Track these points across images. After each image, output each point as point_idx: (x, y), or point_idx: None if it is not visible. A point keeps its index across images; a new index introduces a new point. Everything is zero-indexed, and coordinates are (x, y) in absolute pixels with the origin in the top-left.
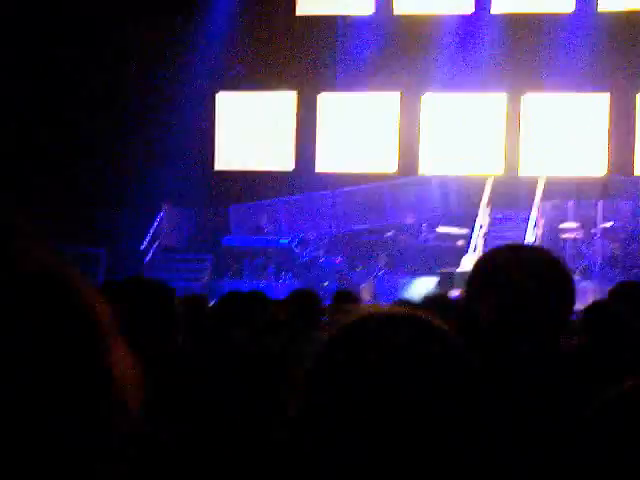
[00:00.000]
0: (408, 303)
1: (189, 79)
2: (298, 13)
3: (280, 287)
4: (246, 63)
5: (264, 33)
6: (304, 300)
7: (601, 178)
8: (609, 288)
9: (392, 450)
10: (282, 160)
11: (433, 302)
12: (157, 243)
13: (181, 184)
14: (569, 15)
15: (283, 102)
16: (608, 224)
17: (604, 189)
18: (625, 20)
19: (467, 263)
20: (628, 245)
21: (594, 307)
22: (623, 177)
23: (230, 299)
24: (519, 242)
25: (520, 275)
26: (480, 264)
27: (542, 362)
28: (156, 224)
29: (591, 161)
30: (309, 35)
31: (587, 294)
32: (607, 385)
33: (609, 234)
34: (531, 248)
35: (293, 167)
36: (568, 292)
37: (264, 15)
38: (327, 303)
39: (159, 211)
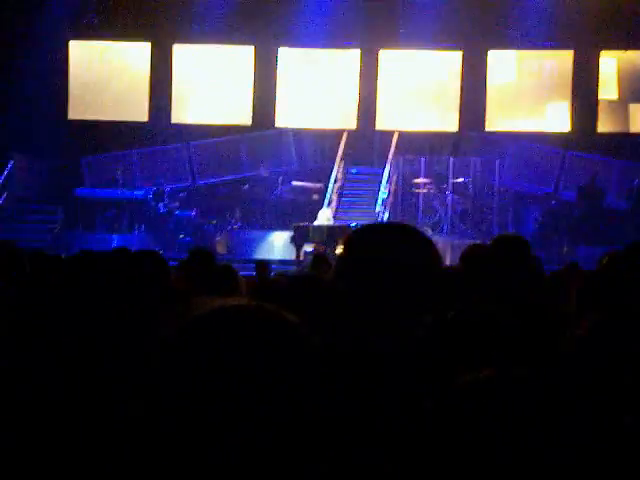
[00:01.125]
0: (264, 264)
1: (42, 26)
2: None
3: (134, 239)
4: (100, 12)
5: None
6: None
7: (453, 134)
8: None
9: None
10: (136, 111)
11: (301, 284)
12: (6, 193)
13: (33, 133)
14: None
15: (138, 53)
16: (459, 179)
17: (455, 145)
18: None
19: (322, 217)
20: (478, 200)
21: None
22: (474, 134)
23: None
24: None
25: (387, 254)
26: (349, 245)
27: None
28: (6, 173)
29: (443, 117)
30: None
31: (437, 247)
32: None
33: (460, 189)
34: (400, 227)
35: (147, 118)
36: (434, 271)
37: None
38: (182, 257)
39: (9, 160)
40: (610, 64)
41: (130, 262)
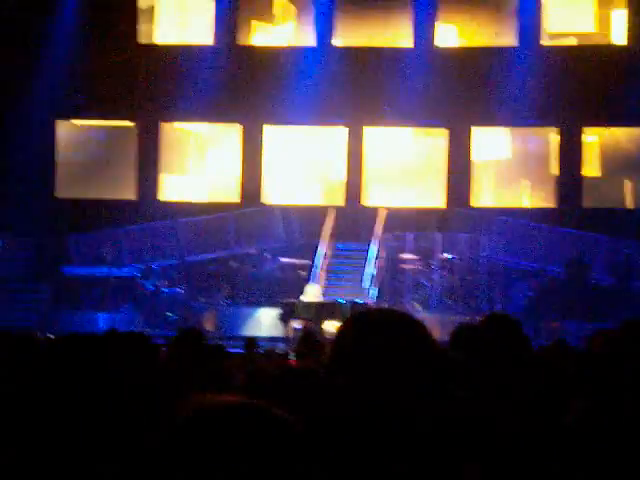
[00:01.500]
0: (253, 340)
1: (29, 107)
2: (141, 42)
3: (121, 317)
4: (86, 92)
5: (105, 62)
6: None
7: (439, 210)
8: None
9: None
10: (124, 189)
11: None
12: None
13: (20, 212)
14: (408, 51)
15: (124, 132)
16: (446, 256)
17: (442, 221)
18: (461, 55)
19: (310, 293)
20: (465, 276)
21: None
22: (460, 210)
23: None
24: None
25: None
26: (341, 340)
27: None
28: None
29: (429, 194)
30: (149, 65)
31: (425, 323)
32: None
33: (447, 266)
34: (390, 314)
35: (135, 196)
36: (426, 353)
37: (105, 44)
38: (170, 334)
39: None
40: (592, 141)
41: (117, 345)
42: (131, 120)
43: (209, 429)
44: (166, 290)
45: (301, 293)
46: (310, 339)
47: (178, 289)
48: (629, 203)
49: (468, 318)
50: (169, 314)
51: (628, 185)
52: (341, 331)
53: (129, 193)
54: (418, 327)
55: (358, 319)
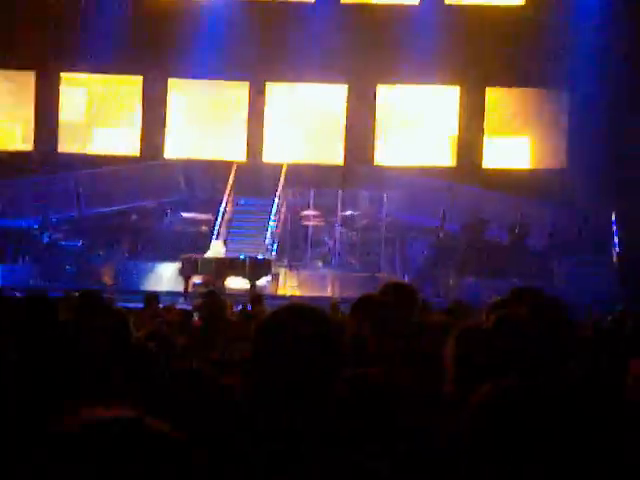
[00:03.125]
0: (153, 296)
1: None
2: None
3: (19, 269)
4: None
5: (6, 10)
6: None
7: (340, 167)
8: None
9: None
10: (23, 140)
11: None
12: None
13: None
14: (310, 5)
15: (23, 81)
16: (347, 212)
17: (344, 178)
18: (364, 12)
19: (215, 249)
20: (365, 233)
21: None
22: (362, 167)
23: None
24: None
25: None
26: (265, 326)
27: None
28: None
29: (331, 150)
30: (54, 14)
31: (326, 280)
32: None
33: (348, 222)
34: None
35: (32, 147)
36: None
37: None
38: (65, 286)
39: None
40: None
41: (17, 307)
42: (32, 69)
43: (86, 446)
44: (64, 243)
45: (201, 248)
46: (213, 297)
47: (76, 242)
48: (528, 163)
49: (368, 274)
50: (67, 267)
51: (525, 145)
52: (258, 330)
53: (28, 144)
54: (334, 328)
55: (275, 319)
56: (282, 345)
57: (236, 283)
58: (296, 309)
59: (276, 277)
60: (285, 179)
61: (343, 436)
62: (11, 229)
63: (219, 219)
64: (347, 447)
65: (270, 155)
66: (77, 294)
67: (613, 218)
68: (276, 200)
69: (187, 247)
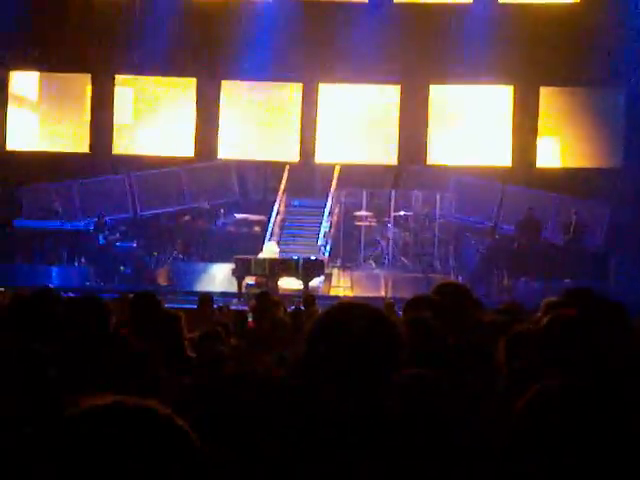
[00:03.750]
0: (207, 297)
1: None
2: None
3: (74, 271)
4: (39, 44)
5: (59, 14)
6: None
7: (393, 167)
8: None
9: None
10: (78, 142)
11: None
12: None
13: None
14: (363, 5)
15: (78, 84)
16: (400, 213)
17: (396, 179)
18: (418, 11)
19: (268, 250)
20: (418, 233)
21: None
22: (415, 167)
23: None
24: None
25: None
26: (321, 322)
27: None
28: None
29: (384, 151)
30: (106, 17)
31: (379, 280)
32: None
33: (401, 222)
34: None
35: (88, 149)
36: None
37: None
38: (120, 288)
39: None
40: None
41: (70, 307)
42: (85, 72)
43: (90, 431)
44: (119, 244)
45: (255, 249)
46: (266, 299)
47: (131, 243)
48: (582, 162)
49: (421, 275)
50: (122, 268)
51: (575, 145)
52: (312, 330)
53: (83, 146)
54: (388, 325)
55: (328, 318)
56: (336, 344)
57: (289, 284)
58: (348, 307)
59: (329, 278)
60: (338, 180)
61: (397, 436)
62: (67, 231)
63: (272, 220)
64: (402, 445)
65: (323, 156)
66: (132, 295)
67: None
68: (329, 201)
69: (240, 248)
